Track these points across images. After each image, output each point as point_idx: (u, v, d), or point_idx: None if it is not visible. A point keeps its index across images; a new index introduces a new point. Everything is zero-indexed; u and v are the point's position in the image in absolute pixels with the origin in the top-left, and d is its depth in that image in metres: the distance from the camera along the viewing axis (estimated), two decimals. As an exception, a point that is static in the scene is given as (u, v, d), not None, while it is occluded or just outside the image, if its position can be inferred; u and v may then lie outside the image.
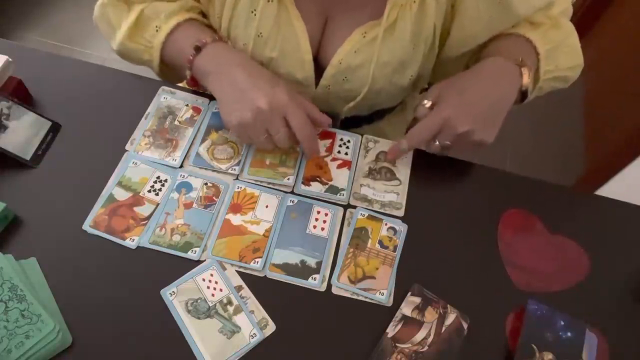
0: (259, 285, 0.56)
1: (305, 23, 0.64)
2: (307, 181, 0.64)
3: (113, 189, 0.61)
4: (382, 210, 0.62)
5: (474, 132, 0.57)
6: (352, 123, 0.79)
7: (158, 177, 0.62)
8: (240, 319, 0.54)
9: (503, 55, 0.61)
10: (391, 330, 0.53)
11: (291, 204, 0.62)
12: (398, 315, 0.54)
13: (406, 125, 0.88)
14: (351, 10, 0.64)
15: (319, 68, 0.68)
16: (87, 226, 0.58)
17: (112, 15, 0.67)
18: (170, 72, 0.72)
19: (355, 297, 0.56)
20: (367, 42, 0.64)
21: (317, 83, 0.69)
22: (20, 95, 0.66)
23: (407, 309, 0.54)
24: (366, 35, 0.64)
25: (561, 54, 0.66)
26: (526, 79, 0.61)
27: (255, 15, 0.63)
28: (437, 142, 0.59)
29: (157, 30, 0.65)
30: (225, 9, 0.64)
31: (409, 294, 0.56)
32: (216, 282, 0.56)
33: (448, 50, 0.69)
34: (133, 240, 0.57)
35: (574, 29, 0.69)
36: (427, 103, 0.61)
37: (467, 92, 0.59)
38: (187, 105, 0.69)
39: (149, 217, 0.59)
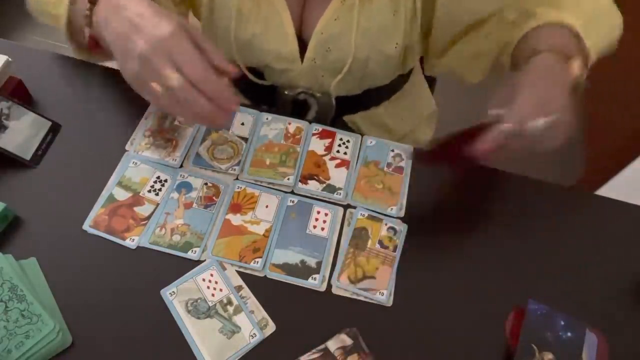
0: (259, 285, 0.56)
1: None
2: (304, 179, 0.64)
3: (113, 189, 0.61)
4: (381, 211, 0.62)
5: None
6: (346, 107, 0.78)
7: (158, 177, 0.62)
8: (240, 319, 0.54)
9: (546, 50, 0.58)
10: (305, 357, 0.52)
11: (291, 204, 0.62)
12: (321, 346, 0.52)
13: (404, 114, 0.87)
14: None
15: (304, 43, 0.68)
16: (87, 226, 0.58)
17: None
18: (77, 38, 0.62)
19: (355, 297, 0.56)
20: (346, 8, 0.63)
21: (303, 58, 0.69)
22: (20, 95, 0.66)
23: (332, 344, 0.52)
24: (345, 2, 0.63)
25: (597, 22, 0.63)
26: (577, 71, 0.57)
27: None
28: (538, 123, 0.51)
29: None
30: None
31: (343, 332, 0.53)
32: (216, 282, 0.56)
33: (440, 29, 0.67)
34: (133, 240, 0.57)
35: None
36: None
37: (534, 88, 0.54)
38: (187, 105, 0.69)
39: (149, 217, 0.59)
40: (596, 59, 0.63)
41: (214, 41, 0.74)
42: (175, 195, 0.61)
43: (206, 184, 0.62)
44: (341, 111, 0.78)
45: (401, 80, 0.81)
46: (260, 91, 0.76)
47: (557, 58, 0.57)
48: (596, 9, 0.64)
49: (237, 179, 0.64)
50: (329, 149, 0.67)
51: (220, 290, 0.55)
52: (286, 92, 0.75)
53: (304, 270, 0.57)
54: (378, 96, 0.81)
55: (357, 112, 0.81)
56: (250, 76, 0.74)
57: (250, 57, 0.71)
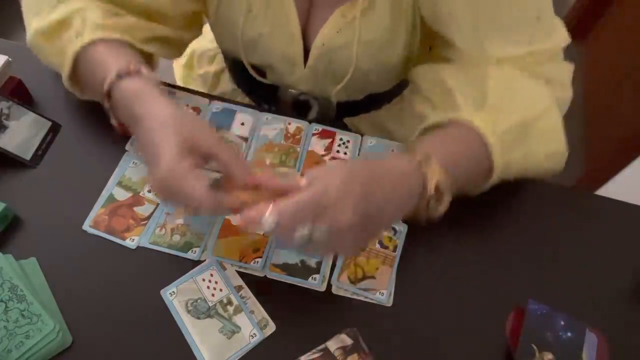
0: (259, 285, 0.56)
1: None
2: (305, 180, 0.64)
3: (113, 189, 0.61)
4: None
5: (350, 231, 0.45)
6: (347, 110, 0.78)
7: (158, 177, 0.62)
8: (240, 319, 0.54)
9: (417, 153, 0.50)
10: (305, 357, 0.52)
11: (291, 204, 0.62)
12: (321, 346, 0.52)
13: (405, 118, 0.87)
14: None
15: (307, 48, 0.68)
16: (87, 226, 0.58)
17: (36, 2, 0.59)
18: (87, 90, 0.62)
19: (355, 297, 0.56)
20: (348, 22, 0.63)
21: (305, 63, 0.69)
22: (20, 95, 0.66)
23: (333, 344, 0.52)
24: (346, 15, 0.63)
25: (531, 137, 0.55)
26: (430, 189, 0.49)
27: None
28: (305, 231, 0.44)
29: (76, 37, 0.57)
30: None
31: (344, 332, 0.53)
32: (216, 282, 0.56)
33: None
34: (133, 240, 0.57)
35: (551, 106, 0.56)
36: (303, 181, 0.46)
37: (356, 181, 0.46)
38: (187, 105, 0.69)
39: (148, 217, 0.59)
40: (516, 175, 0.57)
41: (221, 37, 0.74)
42: (175, 195, 0.61)
43: (206, 184, 0.62)
44: (342, 113, 0.78)
45: (402, 84, 0.82)
46: (262, 89, 0.76)
47: (412, 168, 0.49)
48: (534, 122, 0.54)
49: (237, 179, 0.64)
50: (329, 149, 0.67)
51: (220, 290, 0.55)
52: (287, 93, 0.75)
53: (304, 270, 0.57)
54: (379, 100, 0.81)
55: (358, 115, 0.81)
56: (253, 73, 0.74)
57: (255, 55, 0.71)
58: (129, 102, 0.53)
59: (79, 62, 0.58)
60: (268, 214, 0.43)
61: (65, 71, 0.58)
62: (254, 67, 0.74)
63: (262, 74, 0.75)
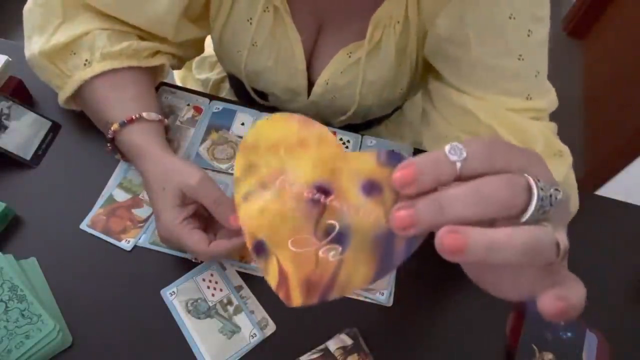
0: (259, 285, 0.56)
1: (300, 34, 0.63)
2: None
3: (113, 190, 0.61)
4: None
5: None
6: (349, 129, 0.79)
7: (158, 177, 0.62)
8: (240, 319, 0.54)
9: None
10: (305, 357, 0.52)
11: (291, 204, 0.62)
12: (321, 346, 0.52)
13: (405, 131, 0.87)
14: (338, 26, 0.64)
15: (311, 79, 0.69)
16: (84, 226, 0.58)
17: (39, 17, 0.58)
18: (84, 110, 0.63)
19: (355, 297, 0.56)
20: (352, 62, 0.63)
21: (309, 93, 0.69)
22: (20, 95, 0.66)
23: (333, 344, 0.52)
24: (351, 56, 0.63)
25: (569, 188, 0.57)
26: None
27: (251, 24, 0.62)
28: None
29: (84, 66, 0.58)
30: (220, 14, 0.64)
31: (344, 332, 0.53)
32: (216, 282, 0.56)
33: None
34: (129, 242, 0.57)
35: (570, 169, 0.58)
36: None
37: None
38: (188, 104, 0.69)
39: (146, 220, 0.59)
40: None
41: (224, 62, 0.74)
42: (175, 195, 0.61)
43: (206, 184, 0.62)
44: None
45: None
46: (263, 107, 0.76)
47: None
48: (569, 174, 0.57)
49: (237, 179, 0.63)
50: (329, 149, 0.67)
51: (220, 290, 0.55)
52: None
53: (304, 270, 0.57)
54: (379, 119, 0.82)
55: (358, 132, 0.81)
56: (255, 97, 0.74)
57: (258, 84, 0.72)
58: (132, 155, 0.57)
59: (83, 90, 0.59)
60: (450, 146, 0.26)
61: (65, 94, 0.60)
62: (256, 91, 0.74)
63: (264, 96, 0.75)
